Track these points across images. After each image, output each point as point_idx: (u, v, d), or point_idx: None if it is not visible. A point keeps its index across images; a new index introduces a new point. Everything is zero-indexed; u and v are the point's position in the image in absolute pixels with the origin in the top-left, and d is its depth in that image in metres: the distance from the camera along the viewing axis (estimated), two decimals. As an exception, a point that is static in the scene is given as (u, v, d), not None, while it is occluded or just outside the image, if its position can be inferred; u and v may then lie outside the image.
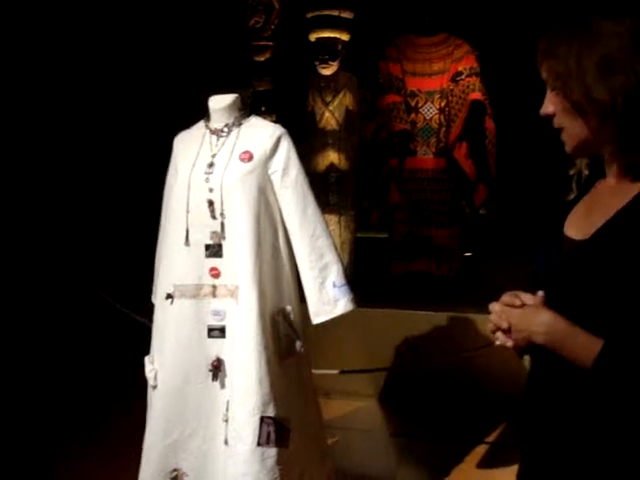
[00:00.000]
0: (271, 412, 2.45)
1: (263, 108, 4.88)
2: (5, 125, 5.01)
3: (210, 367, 2.49)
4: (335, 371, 4.10)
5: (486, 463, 3.55)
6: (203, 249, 2.51)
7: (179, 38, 5.41)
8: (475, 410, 4.04)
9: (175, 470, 2.55)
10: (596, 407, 1.25)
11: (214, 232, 2.51)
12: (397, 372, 4.32)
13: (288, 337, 2.58)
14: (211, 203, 2.49)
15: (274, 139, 2.56)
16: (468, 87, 4.92)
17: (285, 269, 2.61)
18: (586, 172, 4.24)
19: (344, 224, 4.88)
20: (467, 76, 4.92)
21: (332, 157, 4.90)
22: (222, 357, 2.50)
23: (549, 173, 4.67)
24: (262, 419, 2.43)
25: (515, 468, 1.47)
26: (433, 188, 5.03)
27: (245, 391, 2.44)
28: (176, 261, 2.57)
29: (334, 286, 2.59)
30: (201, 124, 2.67)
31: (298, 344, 2.60)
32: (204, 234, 2.51)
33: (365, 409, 4.28)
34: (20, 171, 5.12)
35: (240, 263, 2.48)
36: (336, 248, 2.67)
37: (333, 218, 4.75)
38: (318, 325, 2.63)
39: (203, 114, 2.67)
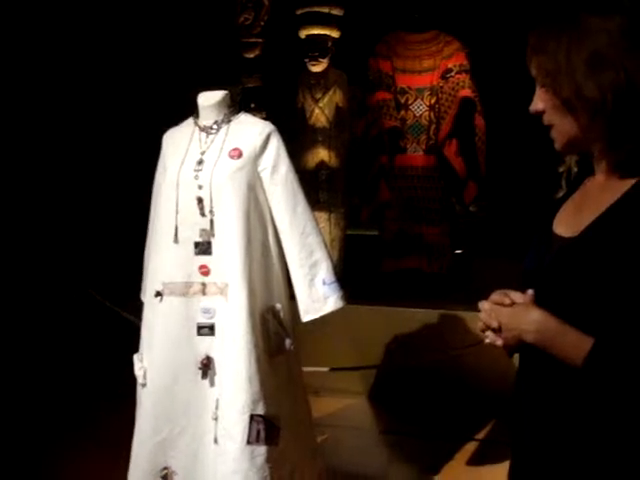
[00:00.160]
0: (261, 410, 2.44)
1: (252, 105, 4.87)
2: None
3: (199, 365, 2.49)
4: (325, 369, 4.10)
5: (476, 460, 3.56)
6: (192, 247, 2.50)
7: (168, 35, 5.39)
8: (465, 407, 4.05)
9: (165, 468, 2.54)
10: (586, 405, 1.25)
11: (203, 229, 2.50)
12: (387, 370, 4.33)
13: (278, 335, 2.57)
14: (200, 200, 2.48)
15: (264, 136, 2.55)
16: (458, 84, 4.92)
17: (275, 267, 2.60)
18: (575, 169, 4.24)
19: (334, 221, 4.88)
20: (457, 73, 4.93)
21: (322, 154, 4.90)
22: (211, 355, 2.49)
23: (538, 170, 4.68)
24: (252, 417, 2.43)
25: (504, 465, 1.47)
26: (423, 185, 5.04)
27: (235, 389, 2.44)
28: (165, 259, 2.56)
29: (324, 283, 2.59)
30: (190, 121, 2.66)
31: (288, 342, 2.60)
32: (193, 231, 2.50)
33: (355, 407, 4.28)
34: (8, 167, 5.08)
35: (229, 261, 2.47)
36: (326, 245, 2.67)
37: (323, 215, 4.75)
38: (308, 323, 2.62)
39: (192, 111, 2.66)
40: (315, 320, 2.61)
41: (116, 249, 4.98)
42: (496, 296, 1.35)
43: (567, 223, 1.36)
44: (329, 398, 4.22)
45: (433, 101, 5.00)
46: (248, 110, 3.48)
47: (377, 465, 3.59)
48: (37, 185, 5.26)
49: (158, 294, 2.53)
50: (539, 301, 1.29)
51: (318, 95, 4.89)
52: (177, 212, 2.51)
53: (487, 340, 1.35)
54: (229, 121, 2.60)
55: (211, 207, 2.48)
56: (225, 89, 2.64)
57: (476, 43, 5.08)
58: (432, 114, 5.00)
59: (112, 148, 5.42)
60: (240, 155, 2.51)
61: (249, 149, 2.53)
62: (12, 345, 4.62)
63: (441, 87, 4.98)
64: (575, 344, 1.22)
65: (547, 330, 1.26)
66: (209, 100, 2.60)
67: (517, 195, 5.35)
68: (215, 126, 2.59)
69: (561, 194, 1.46)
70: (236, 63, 5.03)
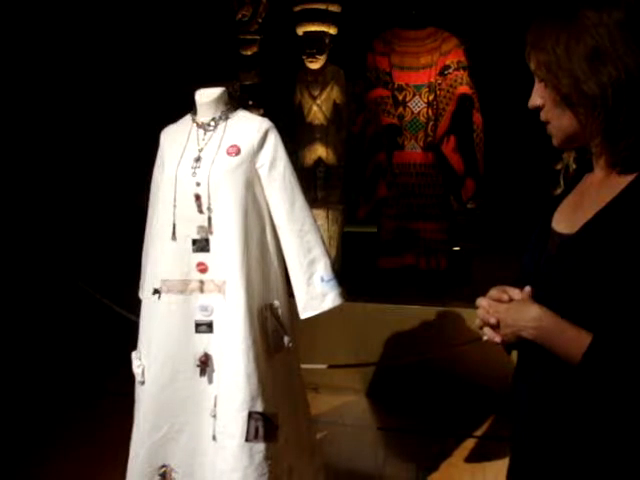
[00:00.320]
0: (259, 407, 2.44)
1: (250, 102, 4.87)
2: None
3: (198, 362, 2.48)
4: (323, 366, 4.10)
5: (474, 456, 3.56)
6: (190, 244, 2.49)
7: (166, 31, 5.39)
8: (463, 404, 4.05)
9: (164, 466, 2.54)
10: (584, 401, 1.24)
11: (201, 227, 2.49)
12: (385, 367, 4.33)
13: (276, 332, 2.57)
14: (198, 197, 2.48)
15: (261, 133, 2.54)
16: (456, 81, 4.92)
17: (273, 264, 2.59)
18: (574, 166, 4.25)
19: (332, 218, 4.88)
20: (455, 70, 4.93)
21: (320, 151, 4.90)
22: (210, 352, 2.49)
23: (537, 167, 4.68)
24: (250, 414, 2.42)
25: (503, 461, 1.47)
26: (421, 182, 5.04)
27: (233, 386, 2.43)
28: (163, 256, 2.55)
29: (322, 280, 2.58)
30: (188, 118, 2.65)
31: (286, 339, 2.59)
32: (191, 229, 2.49)
33: (353, 404, 4.28)
34: (5, 164, 5.07)
35: (227, 258, 2.47)
36: (324, 242, 2.66)
37: (321, 213, 4.75)
38: (306, 320, 2.62)
39: (190, 107, 2.65)
40: (314, 317, 2.61)
41: (114, 246, 4.98)
42: (494, 292, 1.34)
43: (566, 220, 1.35)
44: (328, 395, 4.22)
45: (431, 98, 5.00)
46: (246, 107, 3.48)
47: (376, 462, 3.59)
48: (34, 181, 5.25)
49: (156, 291, 2.53)
50: (537, 298, 1.29)
51: (315, 92, 4.89)
52: (175, 209, 2.50)
53: (485, 337, 1.34)
54: (227, 118, 2.59)
55: (209, 204, 2.48)
56: (223, 86, 2.63)
57: (474, 39, 5.08)
58: (430, 111, 5.00)
59: (110, 144, 5.42)
60: (238, 152, 2.51)
61: (247, 146, 2.52)
62: (8, 343, 4.62)
63: (439, 84, 4.98)
64: (574, 340, 1.22)
65: (545, 326, 1.25)
66: (207, 97, 2.59)
67: (515, 192, 5.35)
68: (213, 123, 2.58)
69: (559, 191, 1.46)
70: (234, 60, 5.02)
